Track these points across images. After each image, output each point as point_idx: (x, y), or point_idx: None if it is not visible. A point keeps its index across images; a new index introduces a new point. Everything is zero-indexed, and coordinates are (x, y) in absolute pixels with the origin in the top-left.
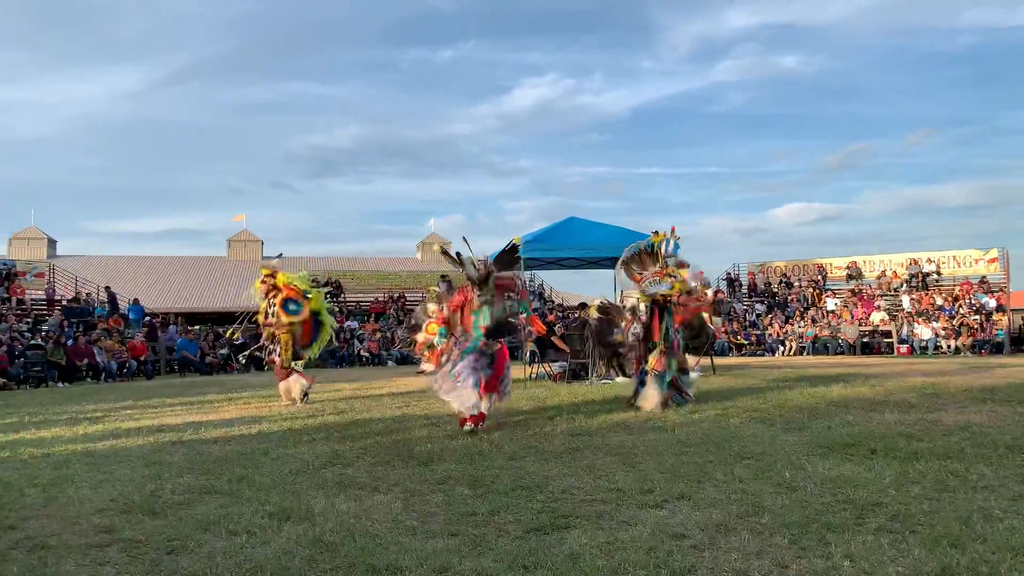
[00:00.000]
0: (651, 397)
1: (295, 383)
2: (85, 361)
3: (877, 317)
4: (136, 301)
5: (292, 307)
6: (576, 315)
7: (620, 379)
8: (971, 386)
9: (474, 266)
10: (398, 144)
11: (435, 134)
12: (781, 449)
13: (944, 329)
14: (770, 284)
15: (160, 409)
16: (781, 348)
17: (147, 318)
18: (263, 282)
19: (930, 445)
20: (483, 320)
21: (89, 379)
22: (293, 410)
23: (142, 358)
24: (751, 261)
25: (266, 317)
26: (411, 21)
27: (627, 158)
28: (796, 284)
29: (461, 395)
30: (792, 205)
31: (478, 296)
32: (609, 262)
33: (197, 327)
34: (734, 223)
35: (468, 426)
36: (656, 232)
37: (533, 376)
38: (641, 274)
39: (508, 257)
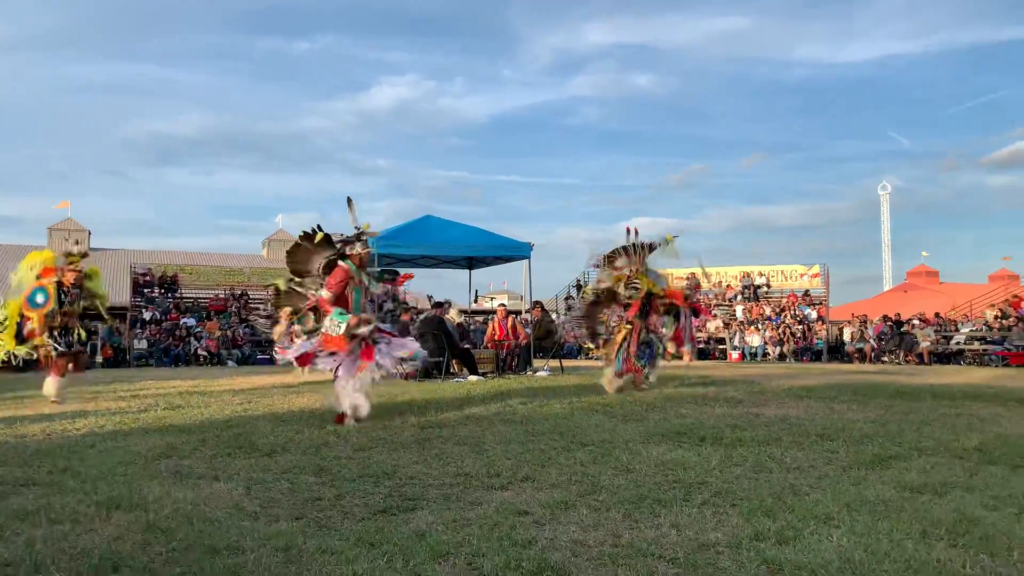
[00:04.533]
0: (611, 380)
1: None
2: None
3: (712, 325)
4: None
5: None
6: (434, 313)
7: (472, 378)
8: (791, 386)
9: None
10: (247, 136)
11: (287, 128)
12: (620, 437)
13: (771, 337)
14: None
15: None
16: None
17: None
18: (70, 268)
19: (752, 434)
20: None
21: None
22: (113, 406)
23: None
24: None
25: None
26: (266, 9)
27: (486, 165)
28: None
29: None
30: (639, 219)
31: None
32: (465, 261)
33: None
34: (586, 233)
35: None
36: (671, 235)
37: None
38: (617, 267)
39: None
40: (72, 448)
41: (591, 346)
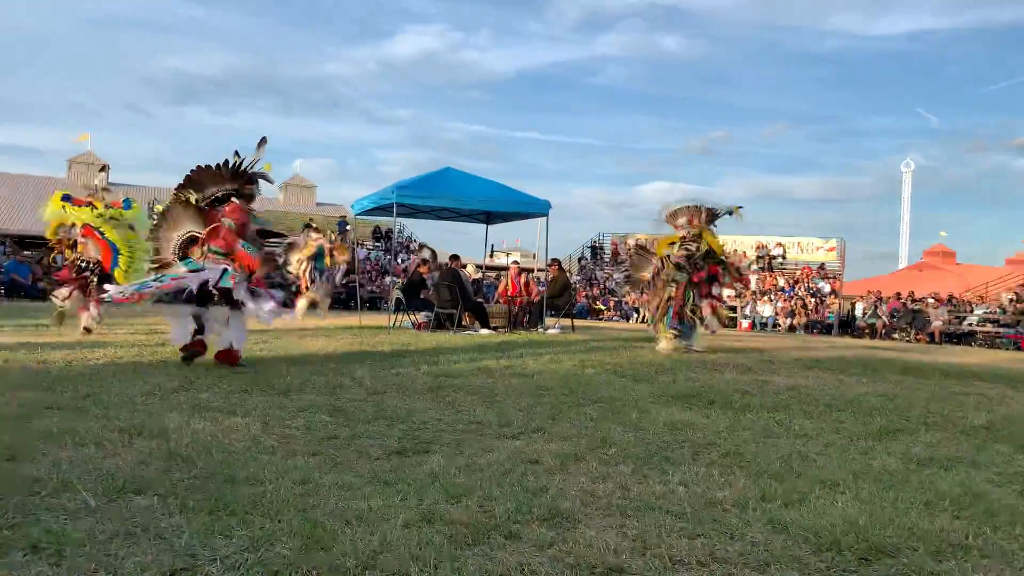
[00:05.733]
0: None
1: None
2: None
3: (725, 293)
4: None
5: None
6: (446, 266)
7: (483, 331)
8: (801, 357)
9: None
10: (268, 78)
11: (309, 72)
12: (630, 396)
13: (783, 308)
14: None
15: None
16: (635, 315)
17: None
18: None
19: (761, 400)
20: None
21: None
22: (127, 339)
23: None
24: (615, 232)
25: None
26: None
27: (506, 120)
28: None
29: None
30: (658, 183)
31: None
32: (483, 216)
33: (29, 252)
34: (603, 195)
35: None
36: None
37: (397, 324)
38: (677, 225)
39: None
40: (93, 376)
41: (618, 301)
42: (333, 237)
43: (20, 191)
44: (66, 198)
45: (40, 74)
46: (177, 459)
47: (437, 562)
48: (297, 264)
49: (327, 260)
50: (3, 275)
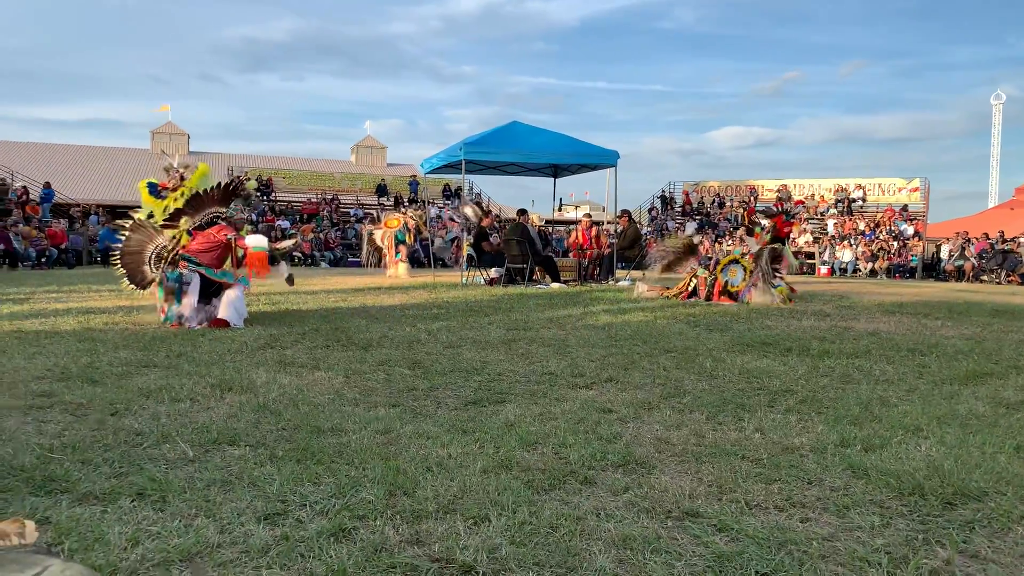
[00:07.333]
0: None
1: None
2: (1, 247)
3: (803, 239)
4: (48, 185)
5: None
6: (514, 220)
7: (554, 285)
8: (883, 301)
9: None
10: (335, 41)
11: (375, 33)
12: (704, 345)
13: (864, 252)
14: (703, 203)
15: (87, 294)
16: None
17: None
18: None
19: (840, 346)
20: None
21: (5, 266)
22: None
23: (62, 246)
24: (687, 180)
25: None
26: None
27: (572, 71)
28: (728, 204)
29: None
30: (730, 128)
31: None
32: (550, 169)
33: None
34: (673, 143)
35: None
36: None
37: (469, 280)
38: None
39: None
40: (184, 336)
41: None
42: (415, 216)
43: (109, 163)
44: (151, 188)
45: (118, 48)
46: (266, 412)
47: (515, 506)
48: (380, 239)
49: (408, 237)
50: (98, 243)
